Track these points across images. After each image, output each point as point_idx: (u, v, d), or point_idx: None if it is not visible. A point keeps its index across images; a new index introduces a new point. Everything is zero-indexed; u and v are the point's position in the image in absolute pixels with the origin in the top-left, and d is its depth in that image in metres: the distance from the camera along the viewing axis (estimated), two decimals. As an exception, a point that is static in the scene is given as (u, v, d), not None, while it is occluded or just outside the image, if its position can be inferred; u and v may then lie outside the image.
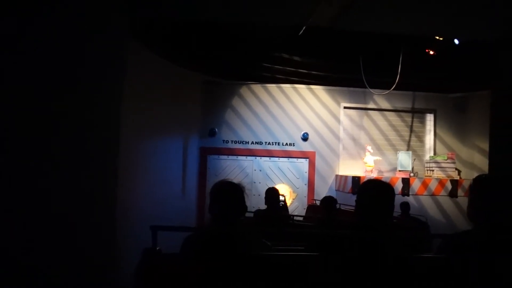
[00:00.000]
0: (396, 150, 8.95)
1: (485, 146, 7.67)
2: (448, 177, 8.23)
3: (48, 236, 3.73)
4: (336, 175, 8.82)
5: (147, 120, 6.20)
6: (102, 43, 4.23)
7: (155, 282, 1.95)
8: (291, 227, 5.07)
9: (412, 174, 8.45)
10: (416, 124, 9.34)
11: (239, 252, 2.18)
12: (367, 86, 7.96)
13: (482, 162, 8.17)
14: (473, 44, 6.16)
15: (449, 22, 4.71)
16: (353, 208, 2.59)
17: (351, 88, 8.93)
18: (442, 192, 8.04)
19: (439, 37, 6.51)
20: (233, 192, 2.44)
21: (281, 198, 6.24)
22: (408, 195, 7.84)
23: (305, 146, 8.91)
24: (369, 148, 8.60)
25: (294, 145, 8.89)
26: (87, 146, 4.13)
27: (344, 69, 8.04)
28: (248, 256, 2.07)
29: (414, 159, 8.78)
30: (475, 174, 2.38)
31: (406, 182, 8.00)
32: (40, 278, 3.61)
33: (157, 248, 1.96)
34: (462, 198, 7.88)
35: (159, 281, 1.95)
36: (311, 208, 7.59)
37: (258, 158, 8.85)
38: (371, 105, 9.14)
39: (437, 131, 9.16)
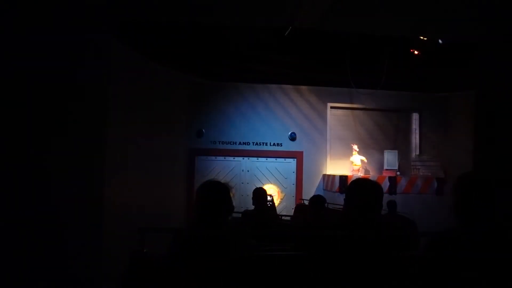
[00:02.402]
0: (382, 149, 9.01)
1: (469, 144, 7.78)
2: (434, 175, 8.33)
3: (34, 238, 3.69)
4: (324, 175, 8.86)
5: (134, 121, 6.15)
6: (88, 45, 4.19)
7: (142, 284, 1.93)
8: (279, 228, 5.08)
9: (398, 173, 8.53)
10: (402, 123, 9.42)
11: (227, 253, 2.17)
12: (353, 86, 8.01)
13: (466, 161, 8.28)
14: (457, 44, 6.24)
15: (433, 23, 4.76)
16: (341, 207, 2.60)
17: (338, 88, 8.96)
18: (428, 190, 8.13)
19: (423, 37, 6.59)
20: (219, 192, 2.42)
21: (269, 198, 6.24)
22: (395, 193, 7.91)
23: (292, 146, 8.92)
24: (355, 147, 8.66)
25: (281, 145, 8.90)
26: (73, 147, 4.09)
27: (331, 70, 8.08)
28: (236, 257, 2.06)
29: (401, 158, 8.86)
30: (460, 172, 2.41)
31: (392, 180, 8.07)
32: (27, 279, 3.57)
33: (144, 250, 1.95)
34: (448, 196, 7.97)
35: (146, 284, 1.93)
36: (299, 207, 7.61)
37: (246, 158, 8.84)
38: (357, 105, 9.20)
39: (423, 130, 9.25)
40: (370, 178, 7.47)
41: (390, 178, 8.11)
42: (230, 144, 8.80)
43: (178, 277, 1.93)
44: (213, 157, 8.79)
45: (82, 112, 4.19)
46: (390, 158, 8.68)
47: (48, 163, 3.90)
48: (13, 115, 3.60)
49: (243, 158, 8.83)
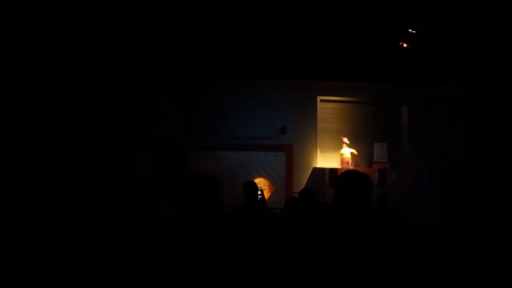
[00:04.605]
0: (372, 141, 9.05)
1: (460, 137, 7.85)
2: (423, 168, 8.38)
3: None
4: (314, 168, 8.88)
5: (128, 118, 6.10)
6: (78, 41, 4.13)
7: (136, 283, 1.92)
8: (272, 222, 5.09)
9: (388, 165, 8.57)
10: (392, 116, 9.47)
11: (222, 248, 2.16)
12: (343, 79, 8.03)
13: (456, 153, 8.36)
14: (448, 38, 6.27)
15: (425, 18, 4.78)
16: (331, 199, 2.60)
17: (328, 82, 8.98)
18: (418, 183, 8.18)
19: (412, 31, 6.60)
20: (208, 186, 2.40)
21: (259, 192, 6.25)
22: (384, 186, 7.95)
23: (282, 140, 8.94)
24: (345, 140, 8.70)
25: (271, 139, 8.91)
26: (63, 144, 4.05)
27: (321, 62, 8.07)
28: (233, 251, 2.06)
29: (391, 151, 8.91)
30: (450, 165, 2.44)
31: (382, 173, 8.11)
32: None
33: (138, 249, 1.94)
34: (438, 189, 8.02)
35: (140, 282, 1.92)
36: (290, 200, 7.62)
37: (236, 152, 8.83)
38: (347, 98, 9.23)
39: (413, 122, 9.30)
40: (360, 170, 7.49)
41: (379, 170, 8.15)
42: (221, 138, 8.78)
43: (172, 274, 1.92)
44: (205, 151, 8.76)
45: (71, 110, 4.13)
46: (380, 151, 8.72)
47: (43, 162, 3.86)
48: (6, 114, 3.54)
49: (234, 152, 8.82)
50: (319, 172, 8.55)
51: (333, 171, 7.95)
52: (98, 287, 4.04)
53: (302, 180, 8.84)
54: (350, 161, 8.63)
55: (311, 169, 8.93)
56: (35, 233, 3.74)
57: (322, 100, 9.19)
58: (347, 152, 8.65)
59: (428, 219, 7.46)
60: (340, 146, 8.82)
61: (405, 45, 7.34)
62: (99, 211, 4.53)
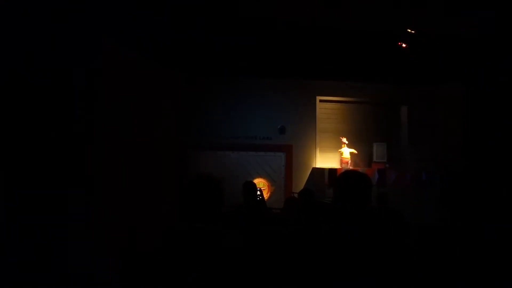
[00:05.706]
0: (371, 141, 9.05)
1: (458, 137, 7.85)
2: (423, 167, 8.38)
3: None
4: (313, 168, 8.89)
5: (127, 117, 6.10)
6: (78, 41, 4.14)
7: (136, 283, 1.92)
8: (271, 222, 5.09)
9: (387, 165, 8.58)
10: (391, 116, 9.48)
11: (221, 247, 2.17)
12: (343, 79, 8.02)
13: (455, 154, 8.36)
14: (448, 38, 6.27)
15: (425, 18, 4.79)
16: (330, 199, 2.60)
17: (327, 82, 8.99)
18: (417, 183, 8.18)
19: (412, 31, 6.60)
20: (209, 186, 2.40)
21: (258, 192, 6.25)
22: (384, 186, 7.96)
23: (282, 140, 8.94)
24: (344, 140, 8.70)
25: (271, 139, 8.91)
26: (63, 144, 4.05)
27: (321, 62, 8.08)
28: (231, 253, 2.06)
29: (390, 151, 8.91)
30: (449, 164, 2.45)
31: (381, 173, 8.11)
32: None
33: (138, 249, 1.94)
34: (437, 188, 8.02)
35: (140, 282, 1.92)
36: (289, 200, 7.62)
37: (236, 152, 8.84)
38: (346, 98, 9.24)
39: (412, 122, 9.31)
40: (360, 170, 7.49)
41: (379, 170, 8.15)
42: (220, 138, 8.79)
43: (172, 274, 1.93)
44: (204, 151, 8.77)
45: (69, 110, 4.13)
46: (379, 151, 8.72)
47: (41, 161, 3.86)
48: (6, 114, 3.54)
49: (233, 152, 8.83)
50: (319, 172, 8.55)
51: (332, 171, 7.95)
52: (98, 287, 4.04)
53: (301, 180, 8.84)
54: (350, 161, 8.63)
55: (310, 169, 8.93)
56: (35, 233, 3.74)
57: (321, 100, 9.19)
58: (346, 152, 8.65)
59: (428, 219, 7.45)
60: (339, 146, 8.83)
61: (405, 45, 7.34)
62: (99, 211, 4.53)
